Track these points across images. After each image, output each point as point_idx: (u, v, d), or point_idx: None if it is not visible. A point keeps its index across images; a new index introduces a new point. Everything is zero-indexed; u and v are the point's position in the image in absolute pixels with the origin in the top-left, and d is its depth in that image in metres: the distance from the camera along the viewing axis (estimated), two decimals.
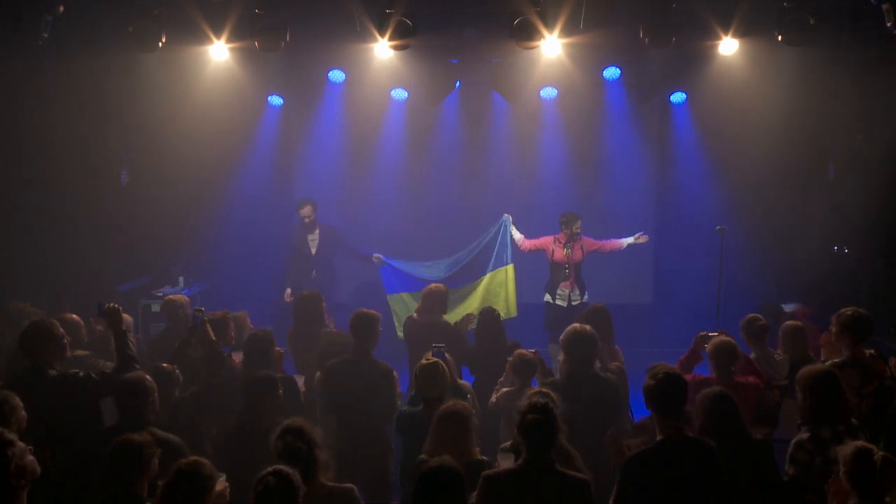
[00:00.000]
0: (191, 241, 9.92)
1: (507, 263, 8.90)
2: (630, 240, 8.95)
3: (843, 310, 5.42)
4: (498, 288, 8.91)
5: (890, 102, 8.67)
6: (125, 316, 5.37)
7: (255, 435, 4.77)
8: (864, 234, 9.16)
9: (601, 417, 5.27)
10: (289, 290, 9.18)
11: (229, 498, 4.01)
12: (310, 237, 9.29)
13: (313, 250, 9.28)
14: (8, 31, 7.36)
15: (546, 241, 8.90)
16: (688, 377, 4.97)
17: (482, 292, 8.92)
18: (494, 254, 8.95)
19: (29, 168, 8.33)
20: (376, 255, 9.16)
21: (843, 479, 3.73)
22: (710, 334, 5.71)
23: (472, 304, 8.78)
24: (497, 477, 3.94)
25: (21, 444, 3.48)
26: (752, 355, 6.04)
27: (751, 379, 5.53)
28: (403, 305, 8.89)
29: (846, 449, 3.77)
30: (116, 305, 5.21)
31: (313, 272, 9.20)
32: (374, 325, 5.74)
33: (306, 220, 9.22)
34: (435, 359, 5.12)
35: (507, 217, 9.00)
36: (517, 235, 8.95)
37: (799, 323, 6.04)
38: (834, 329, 5.46)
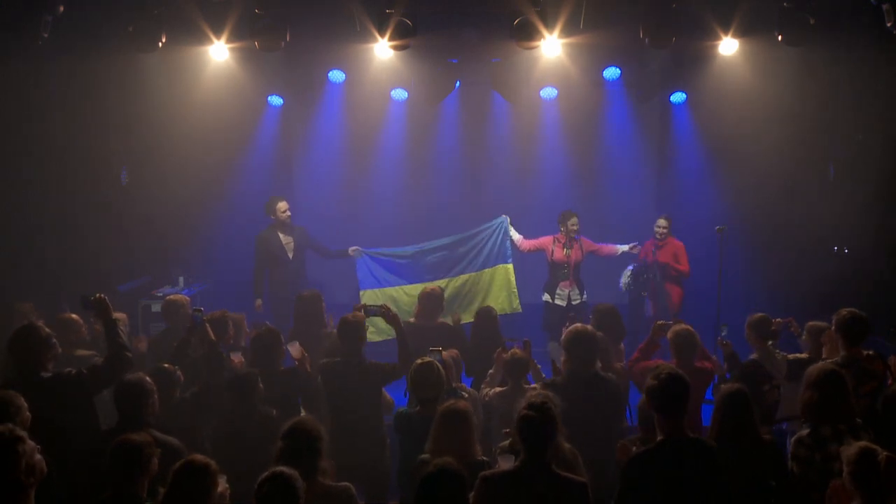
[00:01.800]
0: (191, 241, 9.92)
1: (503, 263, 8.86)
2: (625, 248, 8.97)
3: (841, 310, 5.43)
4: (490, 286, 8.87)
5: (890, 102, 8.66)
6: (119, 315, 5.37)
7: (244, 432, 4.87)
8: (864, 234, 9.16)
9: (602, 417, 5.28)
10: (259, 301, 8.59)
11: (229, 499, 4.01)
12: (284, 240, 8.64)
13: (290, 254, 8.63)
14: (8, 31, 7.35)
15: (545, 241, 8.90)
16: (650, 363, 5.47)
17: (474, 288, 8.88)
18: (485, 253, 8.87)
19: (29, 168, 8.31)
20: (354, 247, 8.82)
21: (846, 479, 3.71)
22: (667, 323, 5.98)
23: (462, 298, 8.75)
24: (494, 478, 3.93)
25: (31, 443, 3.47)
26: (755, 355, 6.05)
27: (707, 364, 5.83)
28: (376, 301, 8.82)
29: (850, 449, 3.75)
30: (102, 296, 5.22)
31: (290, 277, 8.50)
32: (360, 329, 5.79)
33: (284, 215, 8.59)
34: (429, 358, 5.11)
35: (506, 218, 8.93)
36: (516, 236, 8.92)
37: (824, 323, 6.02)
38: (833, 328, 5.48)
